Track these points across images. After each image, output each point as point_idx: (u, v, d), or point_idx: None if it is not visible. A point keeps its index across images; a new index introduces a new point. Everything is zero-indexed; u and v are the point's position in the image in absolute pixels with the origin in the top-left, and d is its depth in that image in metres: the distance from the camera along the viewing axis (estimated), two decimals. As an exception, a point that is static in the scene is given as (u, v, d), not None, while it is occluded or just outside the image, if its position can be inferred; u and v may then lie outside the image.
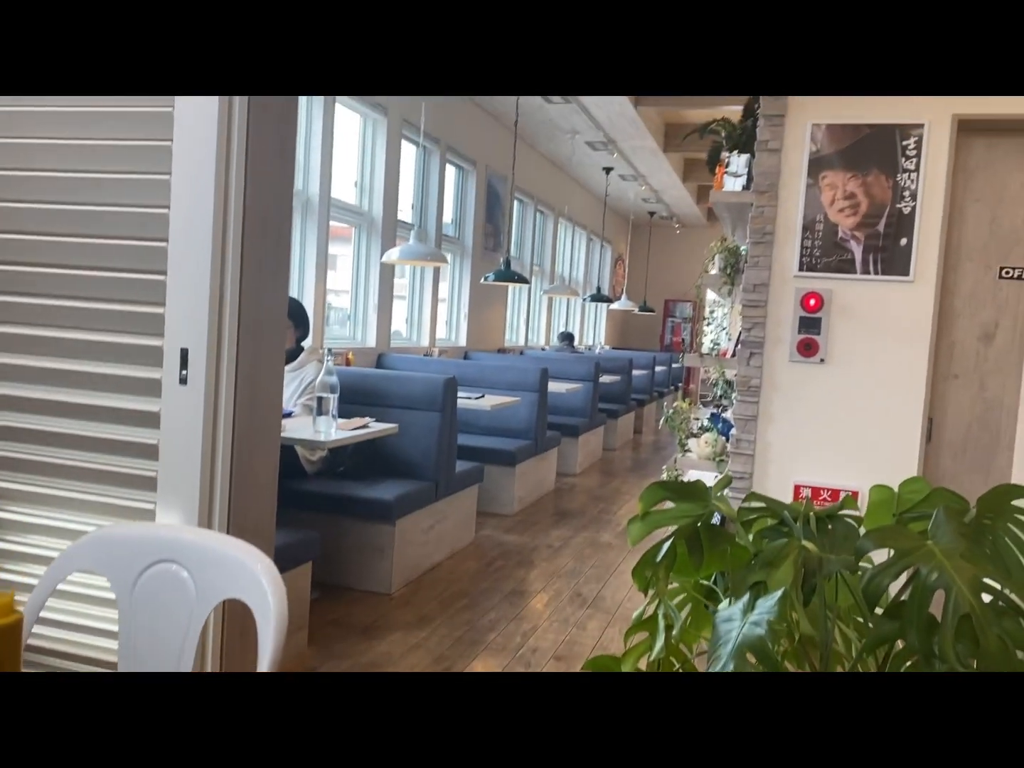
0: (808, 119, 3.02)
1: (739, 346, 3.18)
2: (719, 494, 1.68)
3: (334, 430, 2.85)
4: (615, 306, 10.60)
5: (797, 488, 3.10)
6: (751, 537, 1.56)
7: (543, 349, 9.05)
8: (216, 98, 1.73)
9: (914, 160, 2.94)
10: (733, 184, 3.25)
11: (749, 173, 3.25)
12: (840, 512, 1.55)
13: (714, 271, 3.40)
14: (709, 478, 3.89)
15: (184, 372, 1.78)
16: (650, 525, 1.59)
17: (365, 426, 3.06)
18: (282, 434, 2.81)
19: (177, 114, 1.74)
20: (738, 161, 3.21)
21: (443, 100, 5.99)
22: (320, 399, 2.83)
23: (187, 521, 1.77)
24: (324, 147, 4.57)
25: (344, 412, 3.25)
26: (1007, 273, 3.02)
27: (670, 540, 1.59)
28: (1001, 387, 3.05)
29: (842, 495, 3.10)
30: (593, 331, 12.12)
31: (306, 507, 3.25)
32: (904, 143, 2.95)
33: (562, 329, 10.42)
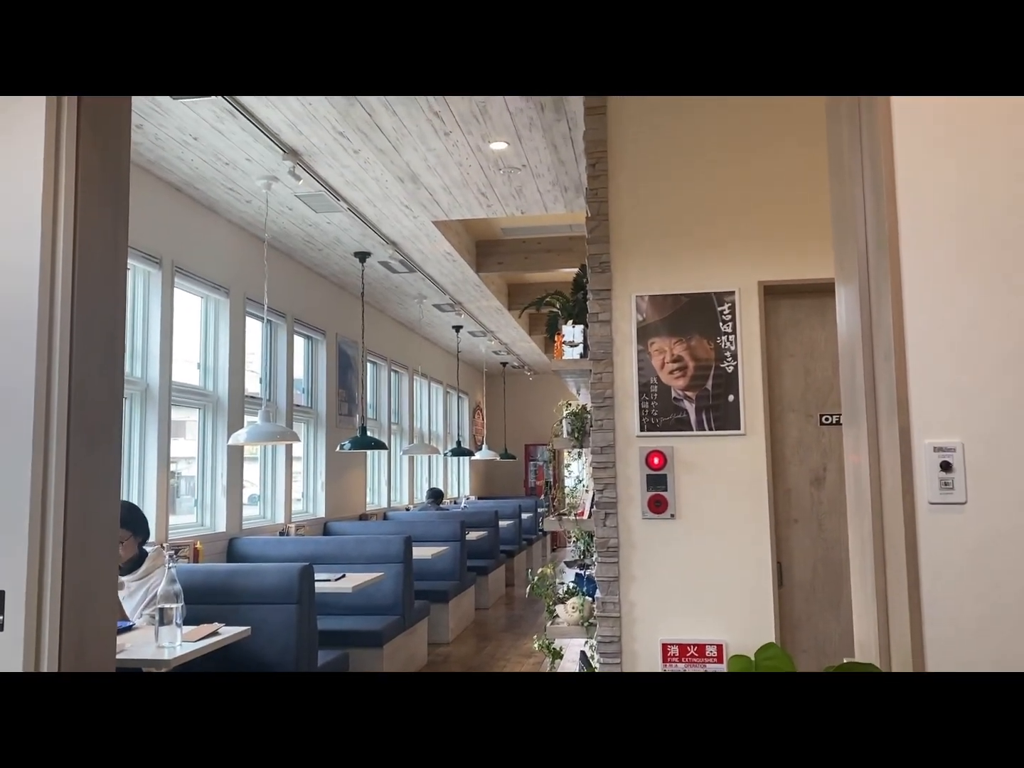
0: (632, 291, 3.25)
1: (594, 507, 3.24)
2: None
3: (179, 643, 2.64)
4: (477, 456, 10.66)
5: (665, 647, 3.11)
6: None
7: (407, 509, 8.90)
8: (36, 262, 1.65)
9: (730, 323, 3.20)
10: (571, 352, 3.40)
11: (585, 341, 3.43)
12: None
13: (563, 434, 3.49)
14: (579, 643, 3.84)
15: (0, 618, 1.60)
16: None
17: (215, 633, 2.85)
18: (122, 655, 2.58)
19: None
20: (573, 331, 3.38)
21: (287, 272, 6.05)
22: (162, 610, 2.63)
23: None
24: (163, 331, 4.47)
25: (192, 614, 3.02)
26: (826, 420, 3.28)
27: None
28: (837, 527, 3.24)
29: (708, 649, 3.14)
30: (458, 483, 12.08)
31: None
32: (720, 308, 3.21)
33: (427, 485, 10.33)
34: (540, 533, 11.81)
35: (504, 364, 12.54)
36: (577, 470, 4.44)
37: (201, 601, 3.28)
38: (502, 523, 8.74)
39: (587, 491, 4.07)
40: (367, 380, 8.01)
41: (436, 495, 8.77)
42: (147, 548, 3.22)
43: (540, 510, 12.24)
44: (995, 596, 1.38)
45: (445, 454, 9.60)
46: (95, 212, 1.78)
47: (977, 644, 1.38)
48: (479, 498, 12.14)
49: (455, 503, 10.49)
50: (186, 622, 3.00)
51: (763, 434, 3.15)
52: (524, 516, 10.40)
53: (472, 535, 7.16)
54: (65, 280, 1.69)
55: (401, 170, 4.41)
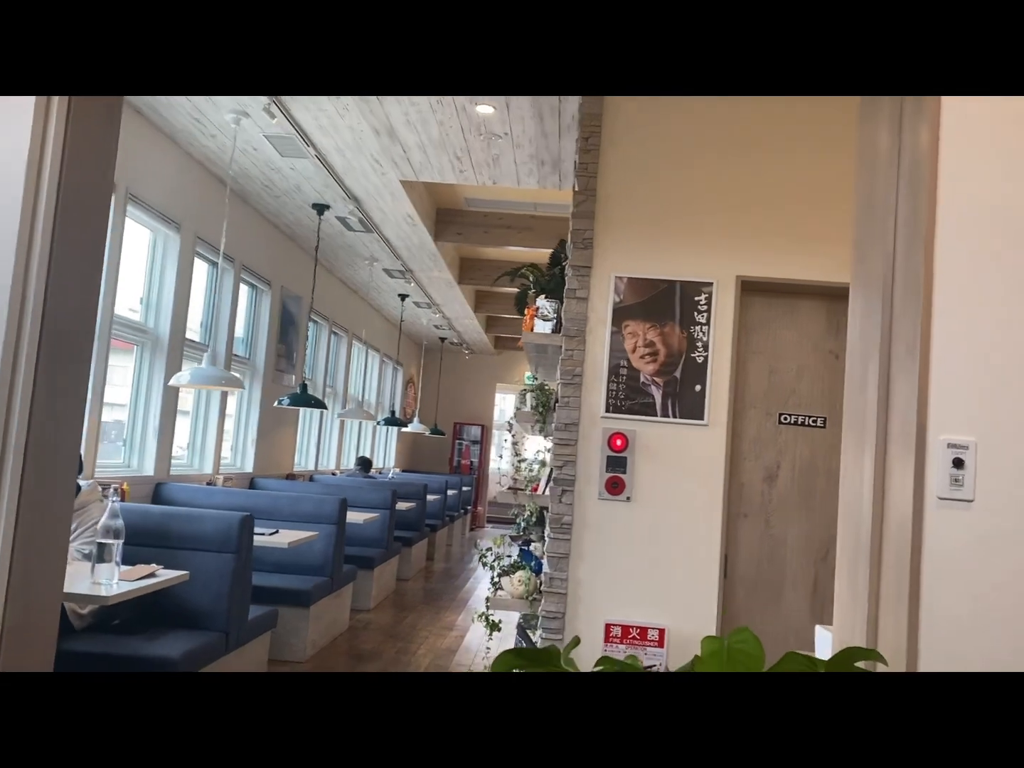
0: (612, 271, 3.22)
1: (551, 483, 3.21)
2: (568, 656, 1.62)
3: (116, 581, 2.49)
4: (408, 429, 10.55)
5: (608, 627, 3.12)
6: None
7: (334, 474, 8.74)
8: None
9: (705, 314, 3.21)
10: (543, 327, 3.36)
11: (558, 317, 3.39)
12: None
13: (526, 408, 3.45)
14: (515, 617, 3.83)
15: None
16: (499, 698, 1.49)
17: (152, 574, 2.71)
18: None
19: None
20: (548, 306, 3.34)
21: (239, 216, 5.83)
22: (101, 546, 2.48)
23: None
24: (111, 259, 4.24)
25: (126, 555, 2.87)
26: (785, 419, 3.33)
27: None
28: (784, 525, 3.30)
29: (650, 633, 3.16)
30: (384, 454, 11.94)
31: (79, 669, 2.78)
32: (696, 298, 3.21)
33: (355, 452, 10.17)
34: (463, 511, 11.78)
35: (443, 340, 12.43)
36: (526, 449, 4.40)
37: (135, 542, 3.13)
38: (429, 497, 8.67)
39: (543, 466, 4.05)
40: (308, 338, 7.80)
41: (365, 463, 8.64)
42: (81, 482, 3.04)
43: (465, 488, 12.22)
44: (994, 594, 1.40)
45: (379, 423, 9.46)
46: (85, 146, 1.66)
47: (971, 641, 1.40)
48: (403, 471, 12.03)
49: (380, 473, 10.36)
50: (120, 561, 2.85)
51: (725, 427, 3.18)
52: (450, 492, 10.35)
53: (401, 505, 7.07)
54: (48, 211, 1.57)
55: (380, 121, 4.27)
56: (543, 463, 3.68)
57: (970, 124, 1.48)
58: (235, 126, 4.41)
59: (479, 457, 14.06)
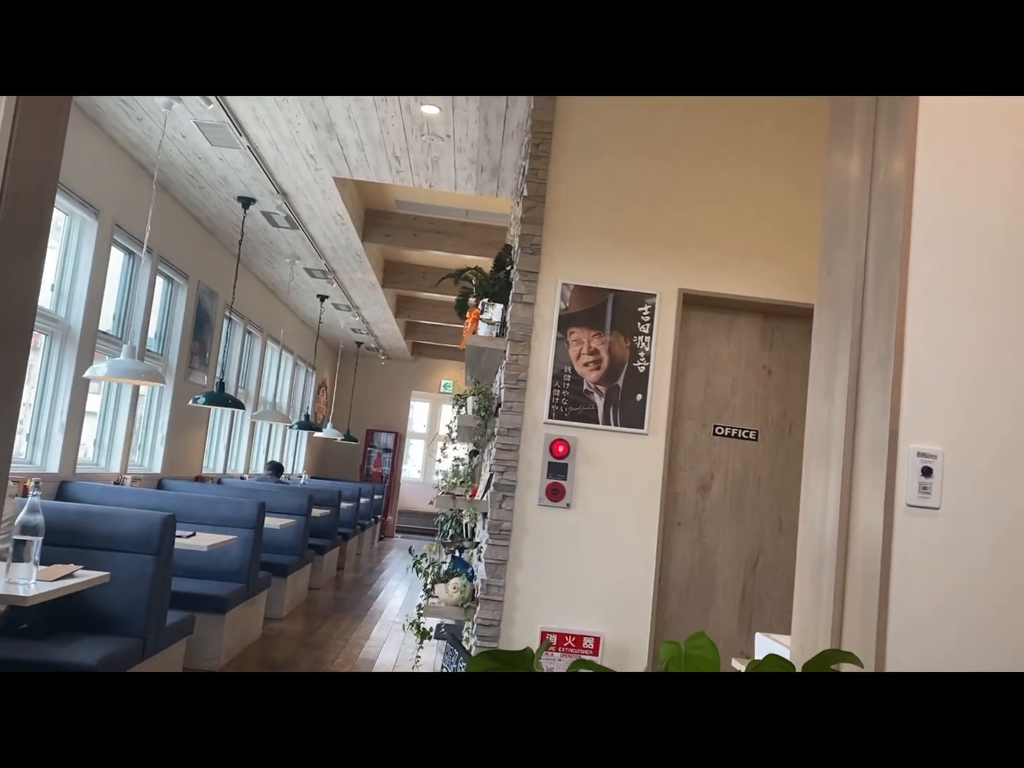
0: (559, 278, 3.23)
1: (491, 488, 3.18)
2: (539, 659, 1.60)
3: (34, 582, 2.32)
4: (321, 434, 10.31)
5: (544, 634, 3.10)
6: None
7: (242, 478, 8.45)
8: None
9: (648, 325, 3.26)
10: (486, 330, 3.34)
11: (502, 322, 3.37)
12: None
13: (467, 412, 3.41)
14: (448, 624, 3.77)
15: None
16: (475, 701, 1.45)
17: (71, 575, 2.53)
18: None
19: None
20: (493, 310, 3.32)
21: (160, 205, 5.59)
22: (19, 543, 2.30)
23: None
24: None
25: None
26: (719, 431, 3.40)
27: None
28: (716, 535, 3.37)
29: (585, 640, 3.16)
30: (294, 459, 11.63)
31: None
32: (640, 308, 3.26)
33: (264, 456, 9.87)
34: (373, 520, 11.59)
35: (360, 344, 12.23)
36: (459, 453, 4.36)
37: (49, 541, 2.92)
38: (343, 504, 8.49)
39: (472, 473, 4.02)
40: (223, 336, 7.54)
41: (276, 468, 8.39)
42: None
43: (377, 496, 12.01)
44: (957, 597, 1.45)
45: (292, 426, 9.21)
46: (31, 142, 1.57)
47: (935, 641, 1.44)
48: (312, 477, 11.75)
49: (290, 479, 10.08)
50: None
51: (664, 436, 3.22)
52: (362, 500, 10.16)
53: (316, 512, 6.89)
54: None
55: (319, 115, 4.17)
56: (469, 469, 3.65)
57: (944, 142, 1.54)
58: (166, 110, 4.23)
59: (391, 465, 13.87)
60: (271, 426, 10.02)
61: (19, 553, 2.30)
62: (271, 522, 5.29)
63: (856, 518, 1.57)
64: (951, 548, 1.46)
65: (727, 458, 3.39)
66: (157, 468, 6.31)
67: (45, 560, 2.78)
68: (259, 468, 9.60)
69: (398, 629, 6.09)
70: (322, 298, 9.00)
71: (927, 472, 1.47)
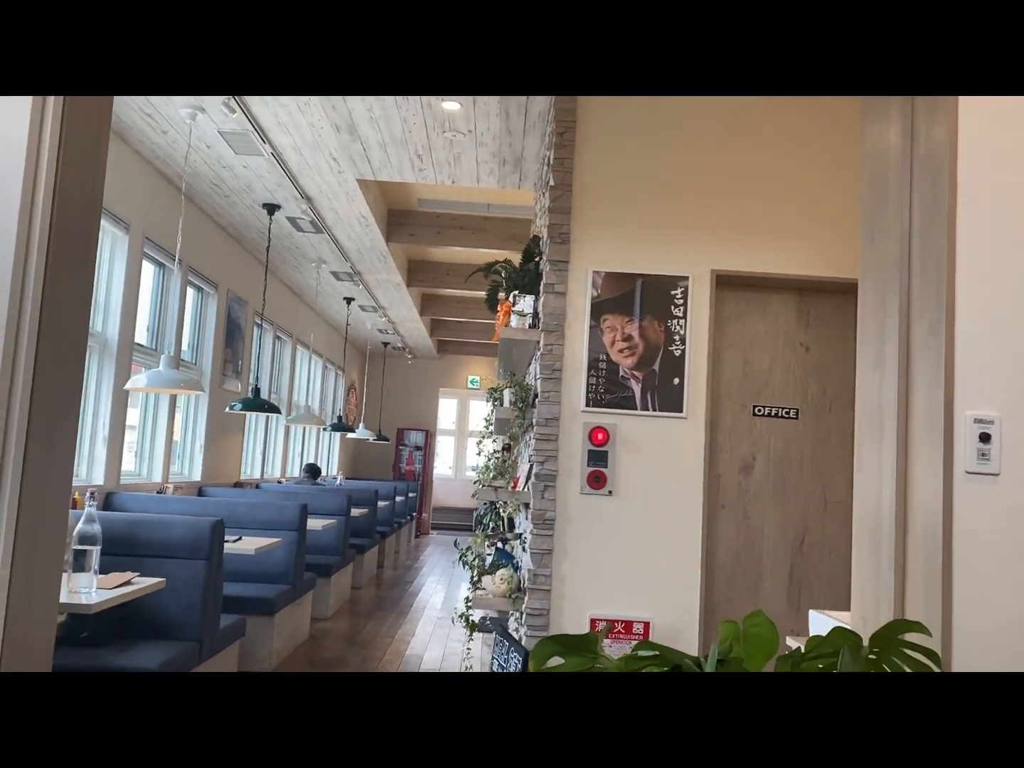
0: (589, 266, 3.23)
1: (532, 479, 3.20)
2: (602, 642, 1.61)
3: (95, 590, 2.37)
4: (354, 435, 10.39)
5: (593, 622, 3.11)
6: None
7: (279, 482, 8.55)
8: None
9: (682, 307, 3.25)
10: (519, 322, 3.34)
11: (534, 313, 3.38)
12: (729, 656, 1.54)
13: (505, 404, 3.43)
14: (496, 615, 3.79)
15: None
16: (541, 686, 1.46)
17: (129, 582, 2.59)
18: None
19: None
20: (524, 302, 3.33)
21: (186, 217, 5.66)
22: (79, 553, 2.35)
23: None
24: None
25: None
26: (759, 411, 3.38)
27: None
28: (760, 515, 3.35)
29: (635, 626, 3.16)
30: (328, 462, 11.74)
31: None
32: (673, 292, 3.25)
33: (299, 459, 9.96)
34: (409, 518, 11.66)
35: (386, 344, 12.30)
36: (489, 448, 4.38)
37: (104, 551, 2.98)
38: (380, 503, 8.55)
39: (509, 465, 4.03)
40: (253, 343, 7.62)
41: (313, 471, 8.46)
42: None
43: (411, 494, 12.09)
44: (1021, 562, 1.44)
45: (326, 428, 9.29)
46: (79, 146, 1.60)
47: (1001, 608, 1.43)
48: (347, 478, 11.84)
49: (326, 481, 10.17)
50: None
51: (703, 419, 3.21)
52: (398, 499, 10.24)
53: (354, 512, 6.95)
54: (45, 215, 1.50)
55: (341, 118, 4.20)
56: (507, 462, 3.67)
57: (987, 108, 1.52)
58: (190, 122, 4.28)
59: (423, 463, 13.94)
60: (304, 430, 10.12)
61: (79, 563, 2.36)
62: (313, 523, 5.35)
63: (913, 489, 1.56)
64: (1013, 513, 1.45)
65: (768, 438, 3.37)
66: (197, 476, 6.40)
67: (101, 569, 2.84)
68: (295, 472, 9.70)
69: (442, 625, 6.13)
70: (348, 300, 9.06)
71: (985, 438, 1.46)
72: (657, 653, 1.55)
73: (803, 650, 1.51)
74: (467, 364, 14.00)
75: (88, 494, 2.48)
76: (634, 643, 3.23)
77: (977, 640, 1.43)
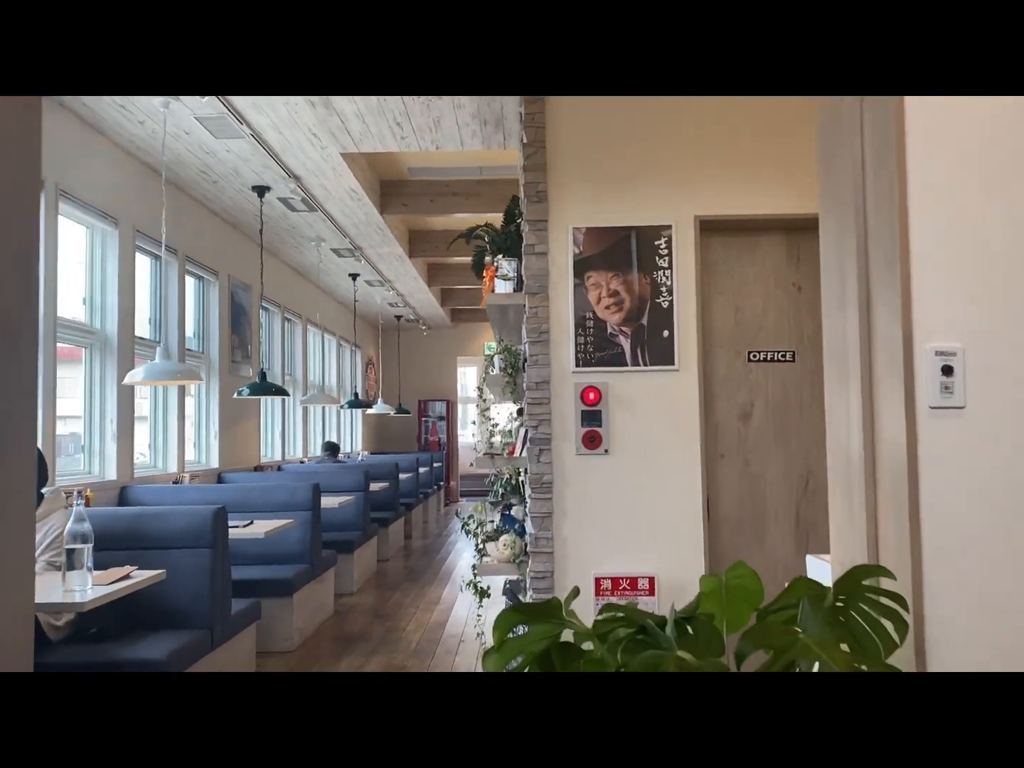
0: (569, 223, 3.16)
1: (527, 444, 3.17)
2: (569, 608, 1.58)
3: (90, 587, 2.40)
4: (372, 410, 10.43)
5: (598, 580, 3.10)
6: (614, 650, 1.47)
7: (302, 462, 8.62)
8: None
9: (667, 258, 3.17)
10: (504, 287, 3.30)
11: (518, 276, 3.33)
12: (698, 612, 1.51)
13: (495, 372, 3.39)
14: (500, 582, 3.80)
15: None
16: (507, 655, 1.45)
17: (127, 576, 2.62)
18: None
19: None
20: (507, 265, 3.27)
21: (178, 205, 5.64)
22: (70, 552, 2.38)
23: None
24: (47, 259, 4.06)
25: (98, 560, 2.77)
26: (754, 356, 3.32)
27: (523, 670, 1.47)
28: (762, 462, 3.30)
29: (640, 582, 3.15)
30: (351, 438, 11.82)
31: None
32: (656, 242, 3.17)
33: (320, 438, 10.04)
34: (436, 487, 11.74)
35: (399, 317, 12.28)
36: (496, 414, 4.35)
37: (107, 547, 3.01)
38: (402, 476, 8.60)
39: (512, 437, 4.01)
40: (261, 327, 7.63)
41: (332, 448, 8.53)
42: (43, 491, 2.92)
43: (436, 464, 12.16)
44: (992, 497, 1.39)
45: (342, 406, 9.33)
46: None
47: (972, 545, 1.39)
48: (371, 453, 11.92)
49: (349, 457, 10.25)
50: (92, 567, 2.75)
51: (695, 370, 3.16)
52: (421, 470, 10.29)
53: (374, 486, 7.00)
54: None
55: (314, 93, 4.13)
56: (509, 431, 3.63)
57: (931, 23, 1.43)
58: (164, 110, 4.23)
59: (447, 432, 14.00)
60: (324, 408, 10.17)
61: (72, 562, 2.38)
62: (330, 501, 5.39)
63: (880, 429, 1.51)
64: (980, 446, 1.39)
65: (765, 383, 3.31)
66: (215, 463, 6.47)
67: (107, 564, 2.87)
68: (317, 451, 9.78)
69: (468, 590, 6.19)
70: (354, 276, 9.04)
71: (947, 371, 1.40)
72: (623, 615, 1.53)
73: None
74: (482, 331, 13.95)
75: (75, 493, 2.50)
76: (640, 598, 3.22)
77: (949, 580, 1.39)
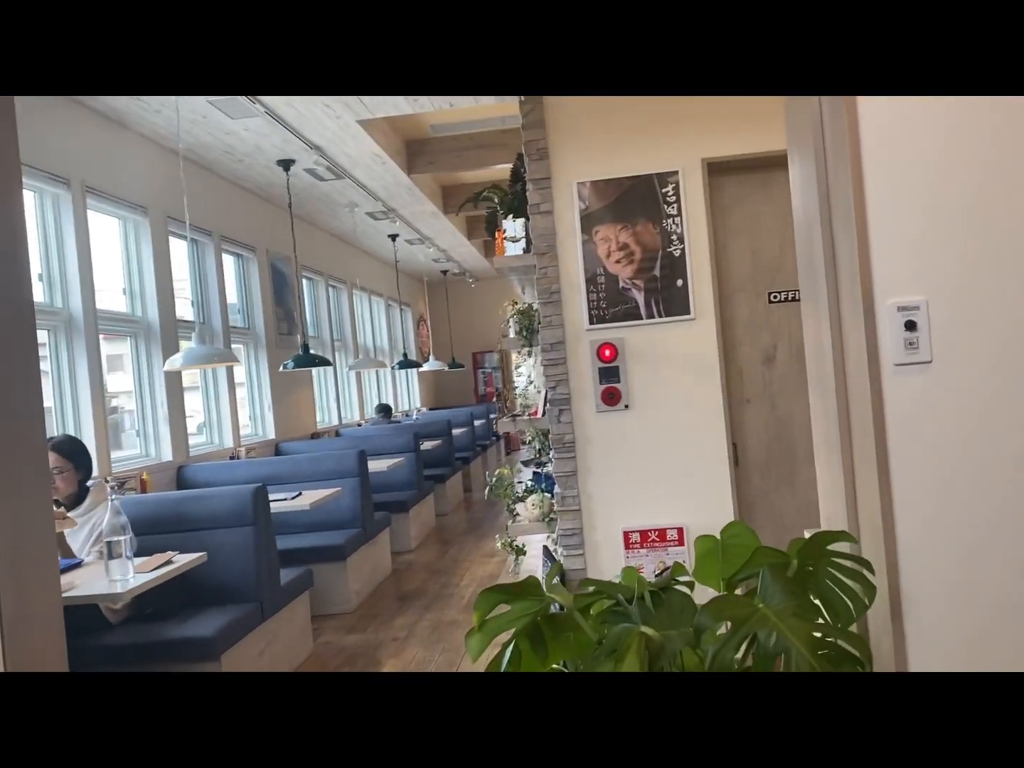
0: (572, 178, 3.12)
1: (548, 405, 3.19)
2: (553, 582, 1.62)
3: (131, 576, 2.54)
4: (424, 368, 10.56)
5: (627, 534, 3.13)
6: (597, 622, 1.51)
7: (359, 425, 8.82)
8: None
9: (675, 205, 3.11)
10: (514, 248, 3.28)
11: (527, 235, 3.30)
12: (674, 581, 1.53)
13: (511, 335, 3.40)
14: (542, 540, 3.87)
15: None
16: (489, 635, 1.50)
17: (168, 562, 2.76)
18: (72, 592, 2.49)
19: None
20: (514, 226, 3.25)
21: (209, 186, 5.74)
22: (110, 544, 2.52)
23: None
24: (81, 256, 4.20)
25: (146, 545, 2.93)
26: (775, 298, 3.24)
27: (512, 644, 1.51)
28: (789, 405, 3.25)
29: (669, 533, 3.17)
30: (408, 396, 12.01)
31: (117, 662, 2.88)
32: (663, 190, 3.10)
33: (377, 399, 10.23)
34: (494, 438, 11.88)
35: (444, 272, 12.31)
36: (527, 371, 4.38)
37: (153, 531, 3.18)
38: (456, 431, 8.73)
39: (539, 391, 4.02)
40: (304, 297, 7.77)
41: (385, 409, 8.69)
42: (88, 483, 3.08)
43: (492, 416, 12.28)
44: (960, 452, 1.35)
45: (392, 368, 9.47)
46: None
47: (945, 504, 1.36)
48: (430, 409, 12.10)
49: (406, 416, 10.44)
50: (140, 553, 2.91)
51: (713, 317, 3.11)
52: (477, 423, 10.42)
53: (427, 445, 7.13)
54: None
55: (318, 66, 4.12)
56: (538, 389, 3.65)
57: None
58: (175, 98, 4.29)
59: (503, 382, 14.08)
60: (376, 370, 10.35)
61: (112, 553, 2.53)
62: (379, 465, 5.53)
63: (851, 388, 1.48)
64: (948, 400, 1.36)
65: (788, 324, 3.24)
66: (271, 434, 6.67)
67: (155, 549, 3.03)
68: (373, 413, 9.98)
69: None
70: (393, 237, 9.07)
71: (911, 326, 1.36)
72: (599, 589, 1.56)
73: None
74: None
75: (111, 485, 2.63)
76: (670, 549, 3.24)
77: (921, 536, 1.37)
